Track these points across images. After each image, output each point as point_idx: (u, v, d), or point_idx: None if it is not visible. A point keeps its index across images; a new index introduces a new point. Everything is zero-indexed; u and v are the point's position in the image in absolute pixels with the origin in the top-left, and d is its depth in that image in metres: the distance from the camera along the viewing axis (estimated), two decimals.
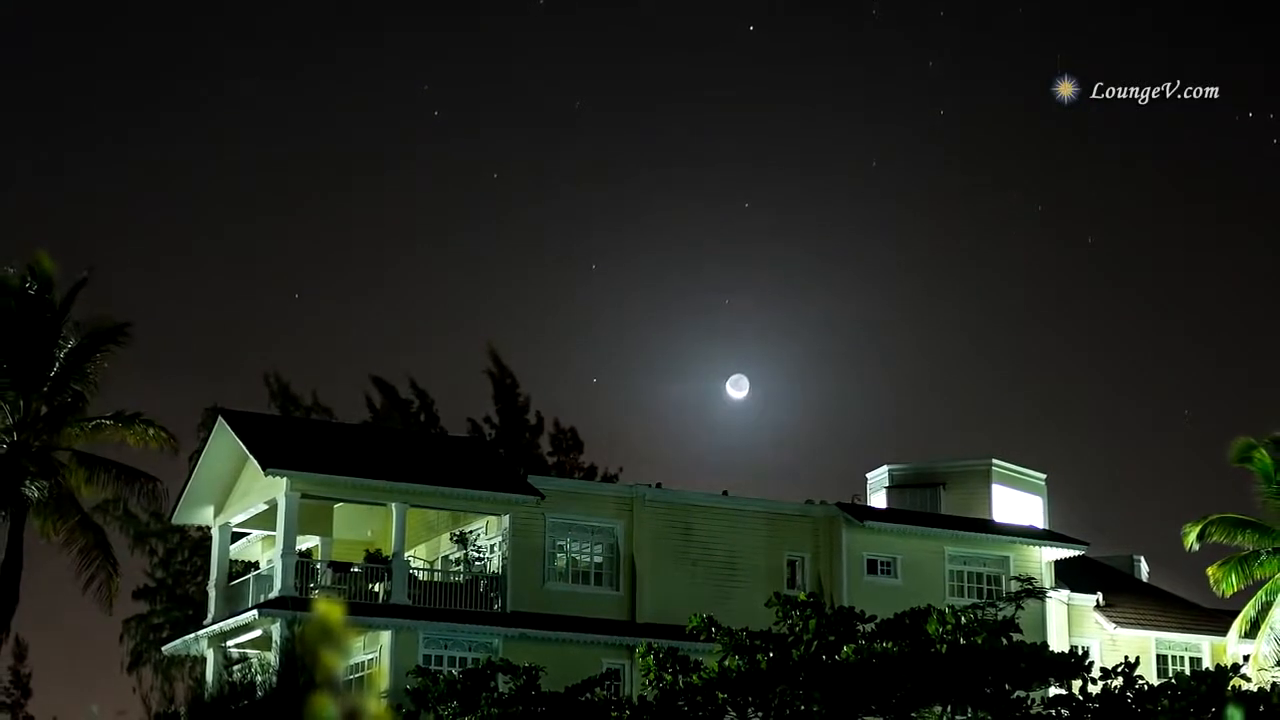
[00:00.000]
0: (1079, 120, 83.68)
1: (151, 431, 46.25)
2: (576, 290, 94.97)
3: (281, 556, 45.46)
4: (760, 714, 35.06)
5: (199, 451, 51.05)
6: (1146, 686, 34.54)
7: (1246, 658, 47.55)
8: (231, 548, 51.70)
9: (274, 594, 45.46)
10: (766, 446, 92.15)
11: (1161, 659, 53.31)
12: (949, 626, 35.20)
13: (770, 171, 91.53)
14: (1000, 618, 36.16)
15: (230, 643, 48.70)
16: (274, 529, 47.18)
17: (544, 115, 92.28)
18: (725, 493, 50.81)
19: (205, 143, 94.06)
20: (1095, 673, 35.17)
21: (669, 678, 35.77)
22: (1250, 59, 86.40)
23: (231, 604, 48.84)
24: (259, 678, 38.18)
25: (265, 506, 47.39)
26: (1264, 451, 51.32)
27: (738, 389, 73.56)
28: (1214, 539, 51.42)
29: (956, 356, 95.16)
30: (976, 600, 44.99)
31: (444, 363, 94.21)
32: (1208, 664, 50.55)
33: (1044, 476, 56.67)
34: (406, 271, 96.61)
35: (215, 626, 48.20)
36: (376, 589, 46.53)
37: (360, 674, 45.99)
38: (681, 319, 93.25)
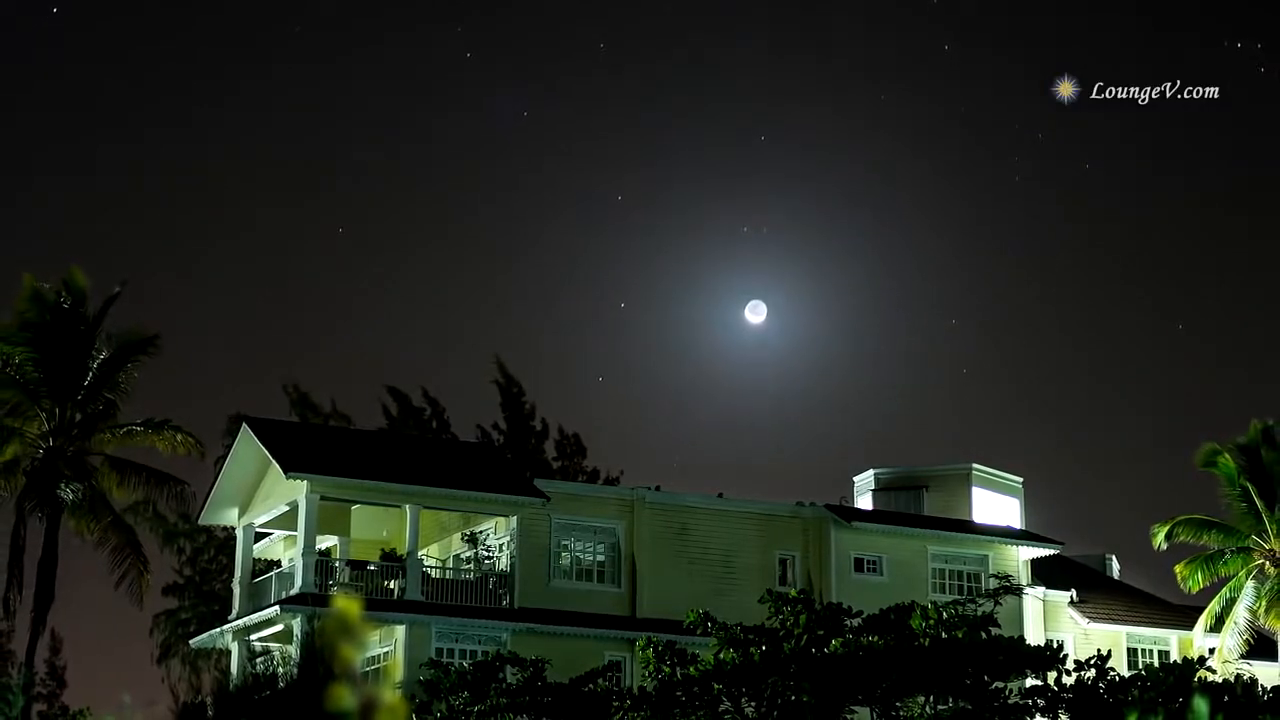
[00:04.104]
0: (1077, 120, 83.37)
1: (179, 437, 46.29)
2: (603, 231, 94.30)
3: (302, 555, 45.47)
4: (753, 704, 35.07)
5: (224, 456, 51.07)
6: (1117, 678, 34.58)
7: (1212, 650, 47.74)
8: (255, 547, 51.67)
9: (295, 591, 45.46)
10: (760, 450, 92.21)
11: (1132, 652, 53.28)
12: (931, 621, 35.23)
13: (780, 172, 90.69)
14: (980, 613, 36.22)
15: (253, 637, 48.68)
16: (295, 529, 47.23)
17: (570, 56, 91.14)
18: (720, 495, 50.78)
19: (223, 154, 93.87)
20: (1069, 665, 35.21)
21: (667, 669, 35.79)
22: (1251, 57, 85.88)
23: (255, 600, 48.83)
24: (280, 670, 38.31)
25: (287, 508, 47.40)
26: (1228, 456, 51.35)
27: (755, 314, 72.46)
28: (1181, 539, 51.44)
29: (942, 363, 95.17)
30: (957, 597, 44.94)
31: (454, 373, 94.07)
32: (1175, 657, 50.50)
33: (1021, 480, 56.63)
34: (415, 278, 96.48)
35: (239, 621, 48.21)
36: (392, 586, 46.52)
37: (376, 666, 46.04)
38: (700, 252, 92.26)
